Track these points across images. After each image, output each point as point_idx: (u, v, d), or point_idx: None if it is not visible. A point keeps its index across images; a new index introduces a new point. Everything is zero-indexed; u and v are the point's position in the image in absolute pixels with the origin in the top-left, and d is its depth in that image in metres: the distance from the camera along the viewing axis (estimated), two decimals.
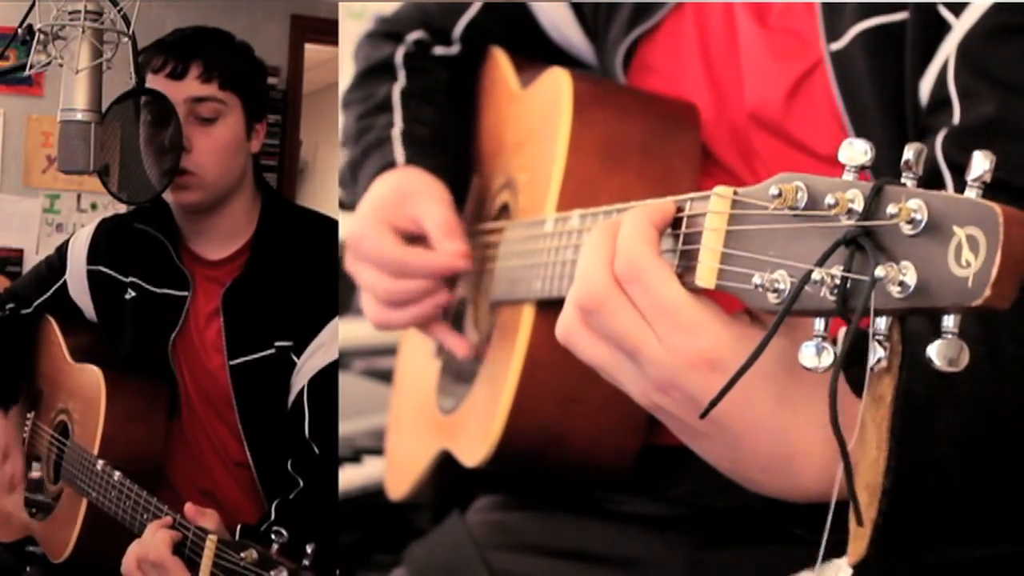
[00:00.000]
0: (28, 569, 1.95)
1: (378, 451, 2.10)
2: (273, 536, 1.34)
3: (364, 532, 1.91)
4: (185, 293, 1.76)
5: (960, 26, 1.14)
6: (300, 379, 1.68)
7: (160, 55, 1.68)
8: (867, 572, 0.79)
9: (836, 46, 1.23)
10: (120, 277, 1.84)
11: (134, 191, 1.69)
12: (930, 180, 1.09)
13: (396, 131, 1.58)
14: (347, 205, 1.70)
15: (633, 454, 1.35)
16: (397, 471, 1.73)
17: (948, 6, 1.15)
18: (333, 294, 1.71)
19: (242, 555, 1.33)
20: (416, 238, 1.49)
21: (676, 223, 0.93)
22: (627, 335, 0.91)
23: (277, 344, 1.69)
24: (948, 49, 1.15)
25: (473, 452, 1.40)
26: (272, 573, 1.28)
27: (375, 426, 2.14)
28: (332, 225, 1.81)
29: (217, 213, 1.76)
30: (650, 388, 0.92)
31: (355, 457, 2.11)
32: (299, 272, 1.72)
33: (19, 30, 1.57)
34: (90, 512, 1.72)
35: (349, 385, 2.13)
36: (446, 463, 1.54)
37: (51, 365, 1.94)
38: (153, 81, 1.68)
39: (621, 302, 0.91)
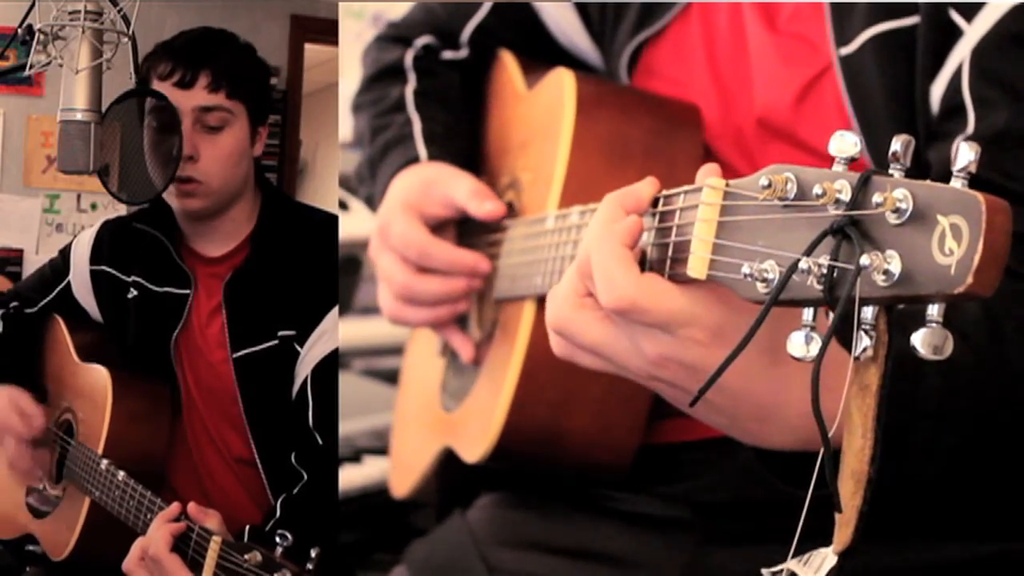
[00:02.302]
0: (28, 569, 1.95)
1: (378, 451, 2.11)
2: (277, 539, 1.35)
3: (364, 532, 1.92)
4: (187, 291, 1.77)
5: (973, 32, 1.14)
6: (303, 368, 1.68)
7: (168, 61, 1.68)
8: (853, 561, 0.79)
9: (846, 51, 1.23)
10: (123, 277, 1.85)
11: (134, 191, 1.70)
12: None
13: (417, 128, 1.59)
14: (347, 205, 1.71)
15: (632, 453, 1.35)
16: (401, 469, 1.73)
17: (960, 11, 1.15)
18: (333, 283, 1.72)
19: (246, 557, 1.33)
20: (442, 226, 1.50)
21: (667, 216, 0.94)
22: (595, 344, 0.97)
23: (280, 334, 1.69)
24: (961, 55, 1.15)
25: (473, 448, 1.41)
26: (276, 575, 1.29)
27: (375, 426, 2.15)
28: (330, 218, 1.82)
29: (220, 216, 1.77)
30: (648, 364, 0.94)
31: (355, 457, 2.11)
32: (299, 262, 1.73)
33: (19, 30, 1.56)
34: (92, 511, 1.73)
35: (349, 385, 2.13)
36: (449, 461, 1.55)
37: (57, 363, 1.95)
38: (160, 87, 1.68)
39: (589, 320, 0.96)
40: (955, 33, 1.16)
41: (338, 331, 1.69)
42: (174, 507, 1.51)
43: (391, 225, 1.50)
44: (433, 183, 1.50)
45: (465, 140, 1.64)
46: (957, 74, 1.15)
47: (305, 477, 1.66)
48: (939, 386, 0.96)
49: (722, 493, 1.34)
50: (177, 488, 1.81)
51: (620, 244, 0.93)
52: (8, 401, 1.84)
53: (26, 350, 1.97)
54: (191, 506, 1.49)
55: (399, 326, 1.59)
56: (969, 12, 1.15)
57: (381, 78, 1.70)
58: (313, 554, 1.30)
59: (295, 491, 1.65)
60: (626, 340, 0.94)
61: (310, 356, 1.68)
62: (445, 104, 1.65)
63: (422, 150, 1.56)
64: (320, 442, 1.67)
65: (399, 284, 1.49)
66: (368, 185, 1.65)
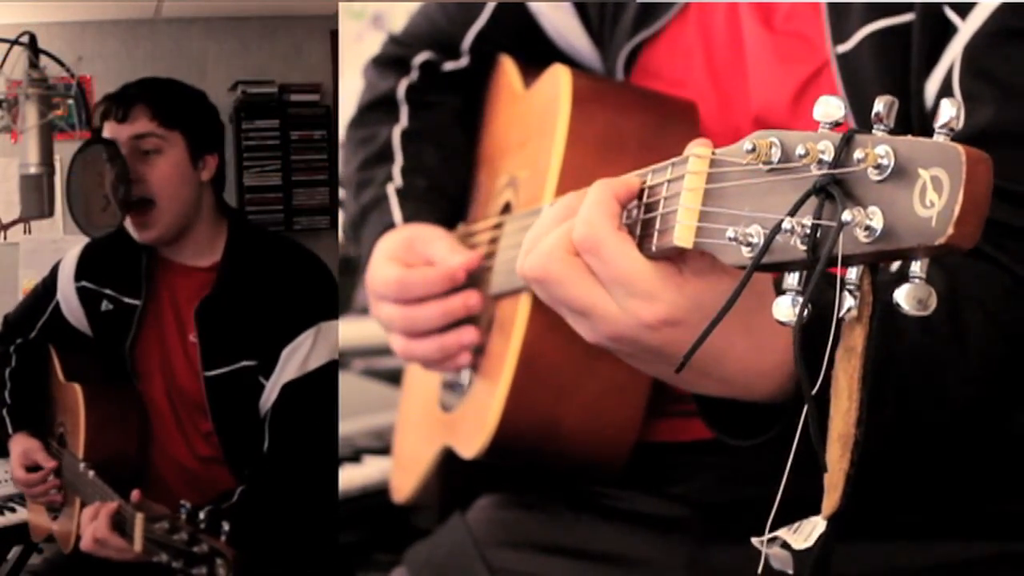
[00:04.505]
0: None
1: (378, 451, 2.12)
2: (182, 510, 1.48)
3: (364, 532, 1.93)
4: (136, 302, 1.94)
5: (966, 28, 1.14)
6: (265, 403, 1.83)
7: (108, 103, 1.88)
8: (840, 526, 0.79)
9: (843, 48, 1.23)
10: (100, 290, 2.00)
11: (99, 226, 1.87)
12: None
13: (391, 188, 1.60)
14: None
15: (628, 449, 1.35)
16: (402, 472, 1.74)
17: (954, 8, 1.15)
18: (297, 315, 1.85)
19: (165, 525, 1.48)
20: None
21: (655, 189, 0.94)
22: (577, 299, 0.95)
23: (244, 363, 1.83)
24: (954, 51, 1.15)
25: (470, 444, 1.40)
26: (195, 549, 1.43)
27: (375, 426, 2.16)
28: (299, 248, 1.99)
29: (180, 242, 1.92)
30: (602, 339, 0.95)
31: (355, 457, 2.13)
32: (268, 293, 1.87)
33: None
34: (83, 508, 1.83)
35: (349, 385, 2.15)
36: (449, 462, 1.55)
37: (53, 386, 2.13)
38: (107, 127, 1.86)
39: (571, 272, 0.95)
40: (949, 30, 1.15)
41: (296, 362, 1.83)
42: (97, 505, 1.66)
43: (375, 278, 1.51)
44: (414, 242, 1.52)
45: (456, 175, 1.66)
46: (950, 71, 1.15)
47: (244, 486, 1.80)
48: (885, 355, 0.95)
49: (721, 492, 1.34)
50: (168, 483, 1.95)
51: (612, 197, 0.95)
52: (23, 454, 2.02)
53: (36, 379, 2.13)
54: (135, 494, 1.61)
55: (414, 363, 1.59)
56: (963, 9, 1.15)
57: (374, 109, 1.71)
58: (226, 527, 1.44)
59: (236, 495, 1.78)
60: (582, 319, 0.96)
61: (271, 390, 1.83)
62: (435, 141, 1.66)
63: (397, 214, 1.57)
64: (275, 462, 1.81)
65: (399, 320, 1.48)
66: (355, 244, 1.67)
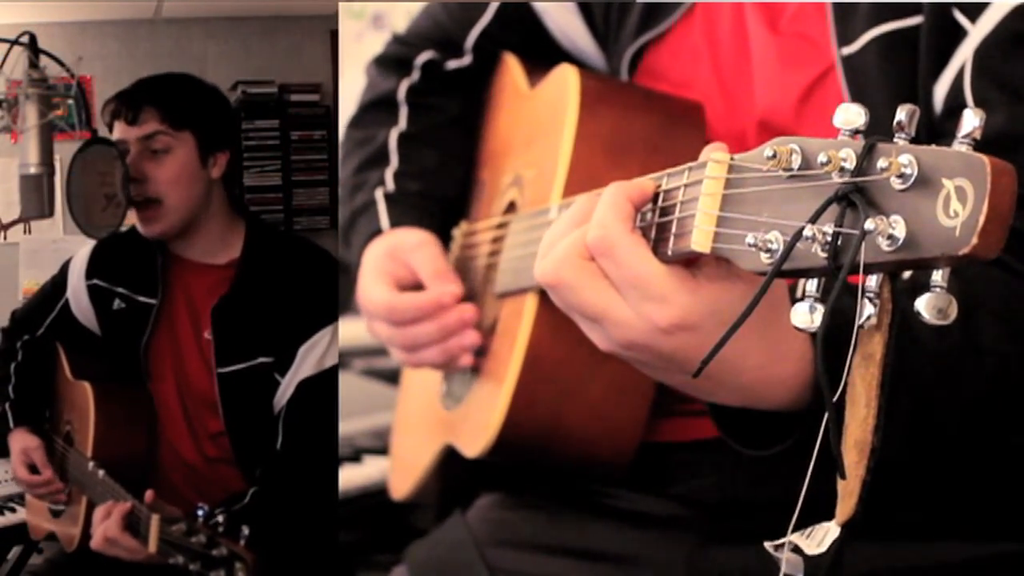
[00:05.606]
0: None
1: (378, 451, 2.12)
2: (199, 512, 1.49)
3: (364, 532, 1.93)
4: (150, 300, 1.93)
5: (976, 32, 1.14)
6: (280, 400, 1.83)
7: (118, 104, 1.88)
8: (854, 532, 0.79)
9: (848, 51, 1.23)
10: (111, 288, 1.99)
11: (99, 225, 1.89)
12: None
13: (380, 194, 1.60)
14: None
15: (632, 448, 1.35)
16: (401, 470, 1.73)
17: (964, 11, 1.15)
18: (314, 313, 1.85)
19: (183, 527, 1.48)
20: (415, 288, 1.51)
21: (671, 192, 0.94)
22: (591, 304, 0.95)
23: (261, 360, 1.83)
24: (964, 55, 1.14)
25: (474, 443, 1.40)
26: (214, 552, 1.44)
27: (375, 426, 2.17)
28: (315, 248, 1.98)
29: (190, 238, 1.92)
30: (616, 347, 0.95)
31: (355, 457, 2.13)
32: (286, 293, 1.87)
33: None
34: (89, 507, 1.87)
35: (349, 385, 2.15)
36: (449, 460, 1.55)
37: (60, 384, 2.12)
38: (117, 127, 1.87)
39: (584, 277, 0.95)
40: (959, 33, 1.15)
41: (312, 360, 1.83)
42: (110, 505, 1.65)
43: (363, 295, 1.52)
44: (399, 250, 1.52)
45: (451, 177, 1.66)
46: (960, 74, 1.15)
47: (255, 487, 1.80)
48: (901, 361, 0.96)
49: (722, 492, 1.34)
50: (175, 483, 1.94)
51: (626, 200, 0.94)
52: (22, 452, 2.02)
53: (41, 376, 2.13)
54: (148, 494, 1.60)
55: (424, 370, 1.59)
56: (973, 12, 1.14)
57: (374, 109, 1.71)
58: (245, 531, 1.45)
59: (247, 497, 1.78)
60: (595, 326, 0.96)
61: (286, 388, 1.83)
62: (433, 143, 1.66)
63: (384, 219, 1.57)
64: (288, 460, 1.82)
65: (397, 338, 1.49)
66: (347, 250, 1.67)
